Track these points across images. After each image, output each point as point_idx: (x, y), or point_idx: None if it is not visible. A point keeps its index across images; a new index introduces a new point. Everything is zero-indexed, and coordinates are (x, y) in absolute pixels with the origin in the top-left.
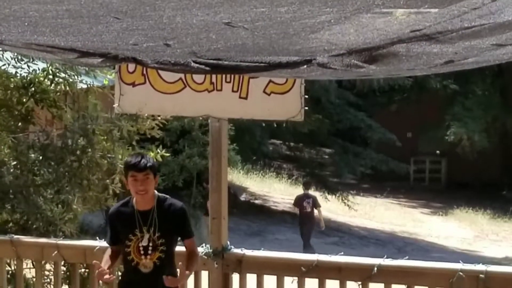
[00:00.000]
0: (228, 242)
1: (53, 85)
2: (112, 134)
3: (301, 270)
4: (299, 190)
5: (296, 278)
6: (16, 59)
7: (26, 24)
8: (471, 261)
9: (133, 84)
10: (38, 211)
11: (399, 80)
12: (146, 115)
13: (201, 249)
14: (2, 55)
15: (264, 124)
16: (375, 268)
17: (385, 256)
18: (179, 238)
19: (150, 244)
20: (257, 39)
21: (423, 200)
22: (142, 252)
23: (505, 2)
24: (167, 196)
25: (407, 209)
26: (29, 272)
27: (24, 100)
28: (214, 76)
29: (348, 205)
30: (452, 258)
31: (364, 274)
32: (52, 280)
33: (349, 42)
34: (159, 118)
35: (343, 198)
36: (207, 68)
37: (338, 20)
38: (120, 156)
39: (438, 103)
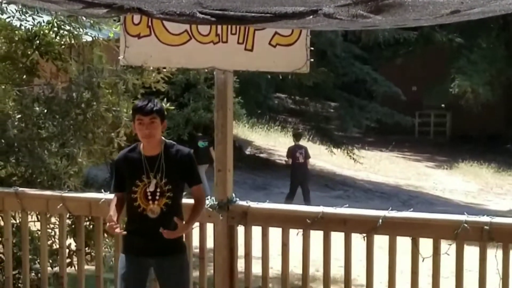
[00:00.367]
0: (234, 194)
1: (58, 37)
2: (117, 87)
3: (306, 222)
4: (304, 144)
5: (301, 230)
6: (20, 12)
7: None
8: (476, 214)
9: (139, 36)
10: (43, 165)
11: (404, 34)
12: (151, 68)
13: (206, 201)
14: (6, 8)
15: (269, 77)
16: (380, 220)
17: (390, 208)
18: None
19: (158, 190)
20: None
21: (428, 153)
22: (149, 197)
23: None
24: (174, 142)
25: (412, 162)
26: (34, 225)
27: (29, 52)
28: (219, 27)
29: (353, 159)
30: (456, 211)
31: (369, 226)
32: (57, 232)
33: None
34: (164, 71)
35: (348, 152)
36: (213, 19)
37: None
38: (125, 110)
39: (443, 56)
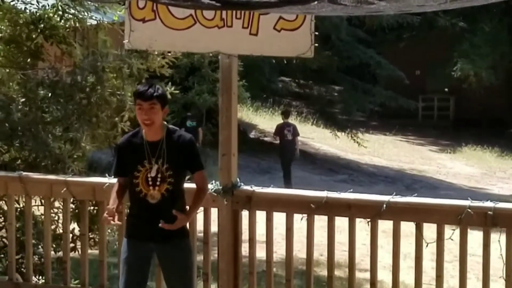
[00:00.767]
0: (238, 179)
1: (62, 21)
2: (121, 71)
3: (310, 207)
4: (308, 128)
5: (305, 215)
6: None
7: None
8: (479, 198)
9: (143, 20)
10: (47, 149)
11: (408, 18)
12: (156, 52)
13: (210, 186)
14: None
15: (273, 61)
16: (384, 205)
17: (394, 193)
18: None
19: (159, 176)
20: None
21: (431, 137)
22: (150, 183)
23: None
24: (177, 128)
25: (415, 146)
26: (37, 209)
27: (34, 36)
28: (224, 12)
29: (357, 142)
30: (460, 195)
31: (373, 211)
32: (61, 217)
33: None
34: (169, 55)
35: (352, 136)
36: (218, 4)
37: None
38: (129, 94)
39: (447, 41)
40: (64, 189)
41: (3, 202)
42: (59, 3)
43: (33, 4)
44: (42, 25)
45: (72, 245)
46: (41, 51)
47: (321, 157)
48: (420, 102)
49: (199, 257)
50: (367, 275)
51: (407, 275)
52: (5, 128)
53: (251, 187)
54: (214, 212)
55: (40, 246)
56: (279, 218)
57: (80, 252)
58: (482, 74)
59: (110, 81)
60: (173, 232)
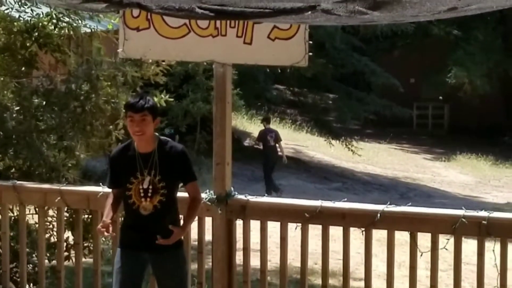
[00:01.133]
0: (232, 188)
1: (56, 29)
2: (116, 79)
3: (304, 216)
4: (303, 136)
5: (299, 224)
6: (19, 3)
7: None
8: (473, 206)
9: (138, 29)
10: (41, 157)
11: (402, 26)
12: (150, 60)
13: (204, 195)
14: (6, 0)
15: (268, 70)
16: (378, 215)
17: (388, 203)
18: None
19: (151, 187)
20: None
21: (426, 145)
22: (142, 194)
23: None
24: (169, 139)
25: (410, 154)
26: (32, 218)
27: (28, 44)
28: (218, 21)
29: (351, 151)
30: (454, 204)
31: (367, 220)
32: (55, 226)
33: None
34: (163, 63)
35: (347, 144)
36: (212, 14)
37: None
38: (123, 102)
39: (441, 49)
40: (58, 198)
41: None
42: (54, 12)
43: (27, 13)
44: (36, 34)
45: (66, 254)
46: (35, 60)
47: (316, 165)
48: (415, 110)
49: (193, 266)
50: (362, 284)
51: (401, 284)
52: None
53: (245, 196)
54: (208, 221)
55: (34, 255)
56: (274, 226)
57: (74, 261)
58: (477, 82)
59: (104, 89)
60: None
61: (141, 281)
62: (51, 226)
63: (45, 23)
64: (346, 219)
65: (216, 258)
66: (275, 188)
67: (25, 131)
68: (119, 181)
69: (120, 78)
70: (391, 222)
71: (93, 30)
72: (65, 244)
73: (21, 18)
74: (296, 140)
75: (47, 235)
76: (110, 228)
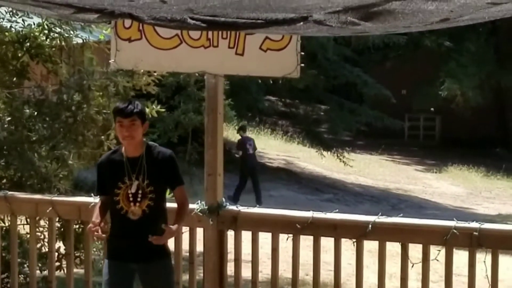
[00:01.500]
0: (224, 199)
1: (48, 40)
2: (107, 89)
3: (296, 227)
4: (294, 147)
5: (291, 235)
6: (10, 13)
7: None
8: (465, 218)
9: (129, 40)
10: (33, 168)
11: (394, 38)
12: (142, 71)
13: (196, 206)
14: None
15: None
16: (370, 226)
17: (380, 214)
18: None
19: (139, 192)
20: None
21: (417, 157)
22: (131, 199)
23: None
24: (156, 144)
25: (401, 166)
26: (23, 228)
27: (19, 55)
28: (210, 32)
29: (343, 162)
30: (445, 215)
31: (359, 231)
32: (47, 236)
33: None
34: (155, 74)
35: (338, 155)
36: (204, 25)
37: None
38: None
39: (433, 60)
40: (50, 208)
41: None
42: (45, 22)
43: (18, 23)
44: (28, 44)
45: (57, 264)
46: (27, 70)
47: (307, 177)
48: (406, 121)
49: (185, 277)
50: None
51: None
52: None
53: (237, 207)
54: (199, 232)
55: (25, 265)
56: (265, 237)
57: (65, 271)
58: (469, 94)
59: (96, 99)
60: (155, 252)
61: None
62: (42, 236)
63: (37, 33)
64: (338, 230)
65: (208, 269)
66: (236, 199)
67: (17, 141)
68: (107, 187)
69: (111, 88)
70: (383, 233)
71: (85, 40)
72: (56, 254)
73: (12, 29)
74: (288, 151)
75: (38, 245)
76: (100, 230)
